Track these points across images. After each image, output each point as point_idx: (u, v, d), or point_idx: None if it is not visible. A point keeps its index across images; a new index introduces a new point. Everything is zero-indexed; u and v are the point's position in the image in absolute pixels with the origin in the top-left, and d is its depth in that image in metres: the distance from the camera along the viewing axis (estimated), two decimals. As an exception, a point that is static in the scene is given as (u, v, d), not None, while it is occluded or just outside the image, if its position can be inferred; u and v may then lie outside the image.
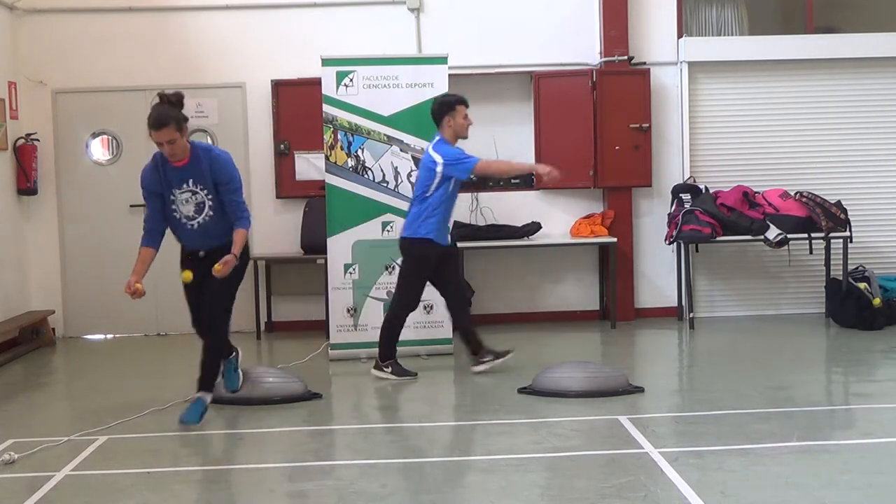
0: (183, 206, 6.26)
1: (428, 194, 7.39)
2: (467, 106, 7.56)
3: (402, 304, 7.58)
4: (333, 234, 8.34)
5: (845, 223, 9.38)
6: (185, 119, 6.18)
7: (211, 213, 6.27)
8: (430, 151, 7.49)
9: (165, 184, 6.24)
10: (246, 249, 6.42)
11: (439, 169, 7.36)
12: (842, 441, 5.82)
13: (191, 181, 6.22)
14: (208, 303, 6.36)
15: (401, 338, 8.30)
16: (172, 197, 6.26)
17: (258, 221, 9.80)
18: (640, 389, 6.93)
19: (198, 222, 6.28)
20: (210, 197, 6.25)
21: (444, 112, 7.50)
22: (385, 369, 7.54)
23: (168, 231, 6.40)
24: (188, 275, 6.27)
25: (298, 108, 9.58)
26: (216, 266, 6.09)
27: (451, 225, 7.65)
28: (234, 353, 6.77)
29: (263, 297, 9.70)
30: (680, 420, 6.39)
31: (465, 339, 7.74)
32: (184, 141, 6.16)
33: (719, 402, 6.60)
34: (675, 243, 9.66)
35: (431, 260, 7.47)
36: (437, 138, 7.53)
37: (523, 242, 9.62)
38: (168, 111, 6.08)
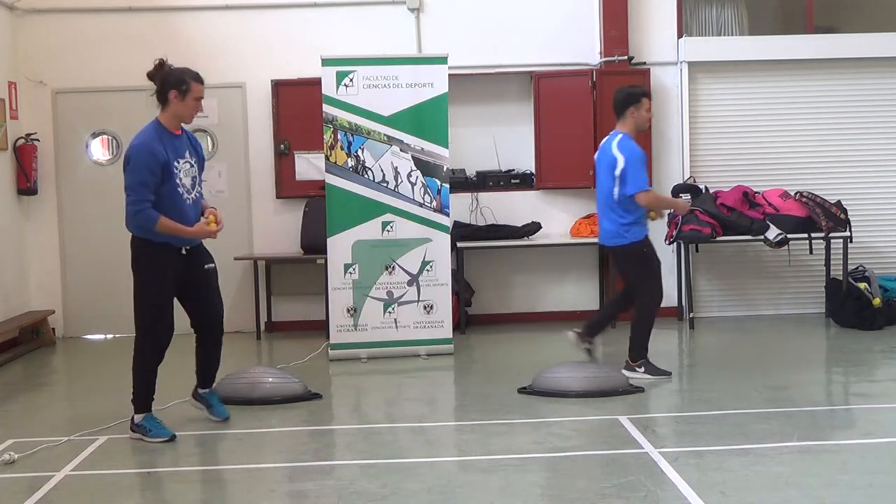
0: (185, 178, 6.07)
1: (616, 197, 7.19)
2: (650, 98, 7.47)
3: (651, 303, 7.37)
4: (333, 234, 8.34)
5: (845, 223, 9.38)
6: None
7: (200, 189, 6.22)
8: (614, 149, 7.16)
9: (171, 154, 6.02)
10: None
11: (618, 173, 7.10)
12: (842, 441, 5.82)
13: (187, 152, 6.14)
14: (216, 305, 6.30)
15: (401, 337, 8.36)
16: (176, 168, 6.03)
17: (258, 222, 9.85)
18: (641, 389, 6.94)
19: (192, 197, 6.12)
20: (198, 172, 6.20)
21: (629, 103, 7.24)
22: (638, 369, 7.32)
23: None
24: (214, 223, 6.08)
25: (298, 108, 9.58)
26: (215, 219, 6.07)
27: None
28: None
29: (263, 297, 9.70)
30: (680, 420, 6.39)
31: (595, 322, 7.69)
32: None
33: (719, 402, 6.60)
34: (675, 243, 9.66)
35: (649, 251, 7.34)
36: (620, 135, 7.21)
37: (523, 242, 9.62)
38: None
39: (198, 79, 6.15)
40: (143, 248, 6.02)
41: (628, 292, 7.54)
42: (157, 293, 6.02)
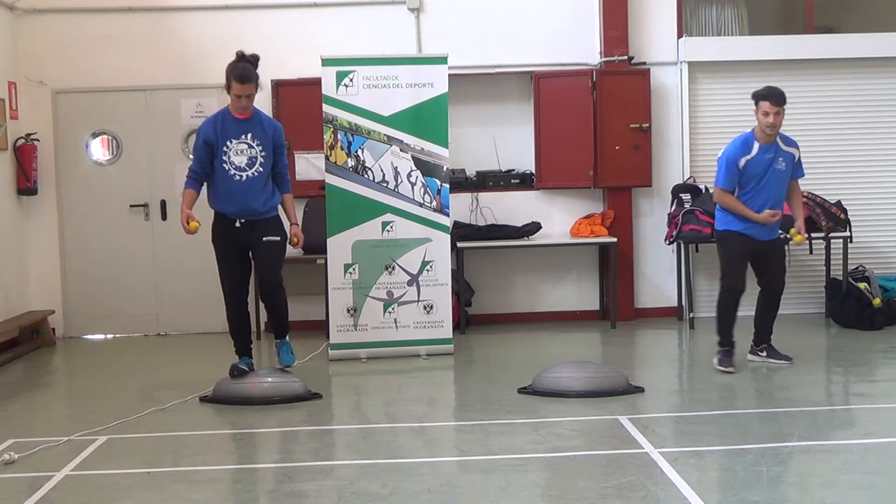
0: (235, 157, 6.87)
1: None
2: (773, 103, 7.27)
3: (723, 292, 7.59)
4: (333, 234, 8.34)
5: (845, 223, 9.38)
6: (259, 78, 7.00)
7: (261, 169, 6.92)
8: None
9: (222, 135, 6.86)
10: (284, 229, 7.17)
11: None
12: (842, 441, 5.82)
13: (250, 135, 6.91)
14: (267, 273, 7.11)
15: (401, 337, 8.36)
16: (226, 148, 6.86)
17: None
18: (640, 389, 6.94)
19: (247, 175, 6.89)
20: (264, 155, 6.92)
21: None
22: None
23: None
24: (196, 225, 6.82)
25: (298, 108, 9.57)
26: (294, 239, 7.15)
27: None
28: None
29: (263, 297, 9.68)
30: (680, 420, 6.39)
31: (757, 329, 7.86)
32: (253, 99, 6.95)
33: (719, 402, 6.60)
34: (675, 243, 9.66)
35: (729, 241, 7.52)
36: (747, 134, 7.47)
37: (523, 242, 9.62)
38: (252, 70, 6.87)
39: (239, 79, 6.80)
40: (214, 216, 7.05)
41: (762, 285, 7.76)
42: (218, 255, 7.05)
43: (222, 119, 6.95)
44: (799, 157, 7.58)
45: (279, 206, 7.19)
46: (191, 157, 7.49)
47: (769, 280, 7.73)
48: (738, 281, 7.54)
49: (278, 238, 7.07)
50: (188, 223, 6.82)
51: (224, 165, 6.87)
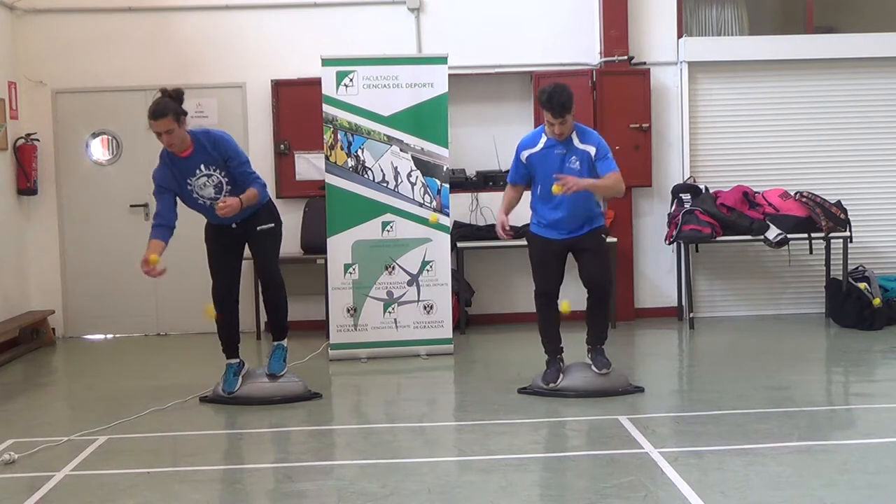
0: (203, 190, 6.60)
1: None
2: (553, 115, 6.46)
3: (535, 290, 7.15)
4: (333, 234, 8.34)
5: (845, 223, 9.38)
6: (184, 113, 6.50)
7: (230, 187, 6.63)
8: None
9: (179, 176, 6.56)
10: (277, 214, 6.98)
11: None
12: (842, 441, 5.82)
13: (202, 166, 6.55)
14: (265, 263, 7.02)
15: (400, 337, 8.37)
16: (189, 187, 6.59)
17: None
18: (640, 389, 6.94)
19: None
20: (224, 175, 6.61)
21: None
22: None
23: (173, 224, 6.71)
24: (155, 258, 6.34)
25: (298, 108, 9.58)
26: (221, 203, 6.45)
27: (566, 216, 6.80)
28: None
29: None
30: (680, 420, 6.39)
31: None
32: (182, 132, 6.46)
33: (719, 402, 6.60)
34: (675, 243, 9.67)
35: (537, 245, 7.00)
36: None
37: (523, 242, 9.56)
38: (166, 104, 6.39)
39: (151, 116, 6.39)
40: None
41: (584, 283, 7.08)
42: (209, 255, 6.92)
43: (171, 162, 6.55)
44: (601, 154, 6.62)
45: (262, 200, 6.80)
46: None
47: (588, 276, 6.92)
48: (547, 284, 6.99)
49: (272, 224, 6.91)
50: (148, 260, 6.31)
51: (199, 201, 6.64)
